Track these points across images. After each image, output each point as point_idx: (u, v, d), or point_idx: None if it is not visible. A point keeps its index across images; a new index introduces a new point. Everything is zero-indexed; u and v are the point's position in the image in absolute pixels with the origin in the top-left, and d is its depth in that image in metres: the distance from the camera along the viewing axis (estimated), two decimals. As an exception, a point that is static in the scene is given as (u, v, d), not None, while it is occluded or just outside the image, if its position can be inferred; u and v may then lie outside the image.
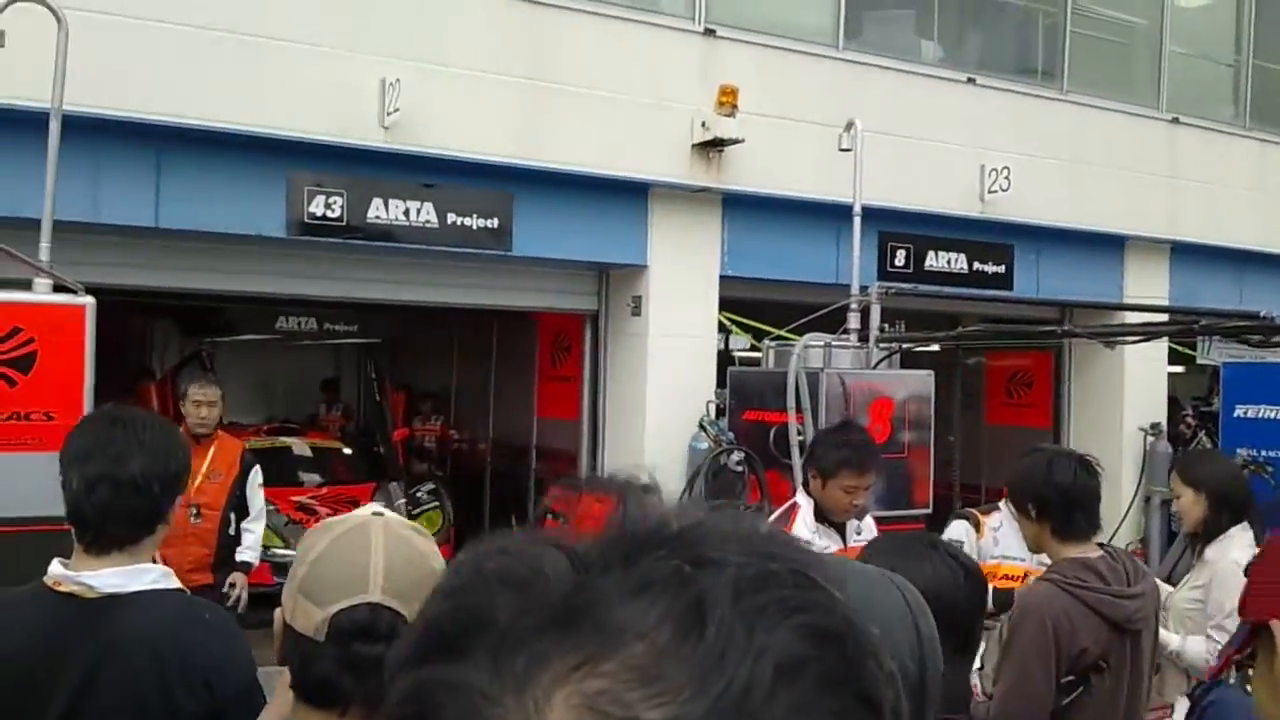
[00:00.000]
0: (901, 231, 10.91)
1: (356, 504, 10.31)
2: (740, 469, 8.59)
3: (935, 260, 11.24)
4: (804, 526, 4.06)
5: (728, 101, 9.35)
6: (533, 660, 0.57)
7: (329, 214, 8.42)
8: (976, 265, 11.44)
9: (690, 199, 9.89)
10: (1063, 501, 3.18)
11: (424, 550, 1.62)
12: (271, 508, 10.08)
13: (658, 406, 9.78)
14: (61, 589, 2.20)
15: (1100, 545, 3.23)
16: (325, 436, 12.46)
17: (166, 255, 8.33)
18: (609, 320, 10.44)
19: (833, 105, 9.63)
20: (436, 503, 10.77)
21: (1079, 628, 3.00)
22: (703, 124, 9.44)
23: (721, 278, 10.15)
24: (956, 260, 11.33)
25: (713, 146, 9.54)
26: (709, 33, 9.72)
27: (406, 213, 8.72)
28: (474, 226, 9.00)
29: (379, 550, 1.54)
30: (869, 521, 4.33)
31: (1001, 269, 11.62)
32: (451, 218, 8.90)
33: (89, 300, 5.97)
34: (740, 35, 9.84)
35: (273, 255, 8.72)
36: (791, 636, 0.57)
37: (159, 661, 2.17)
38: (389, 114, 8.16)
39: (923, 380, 8.60)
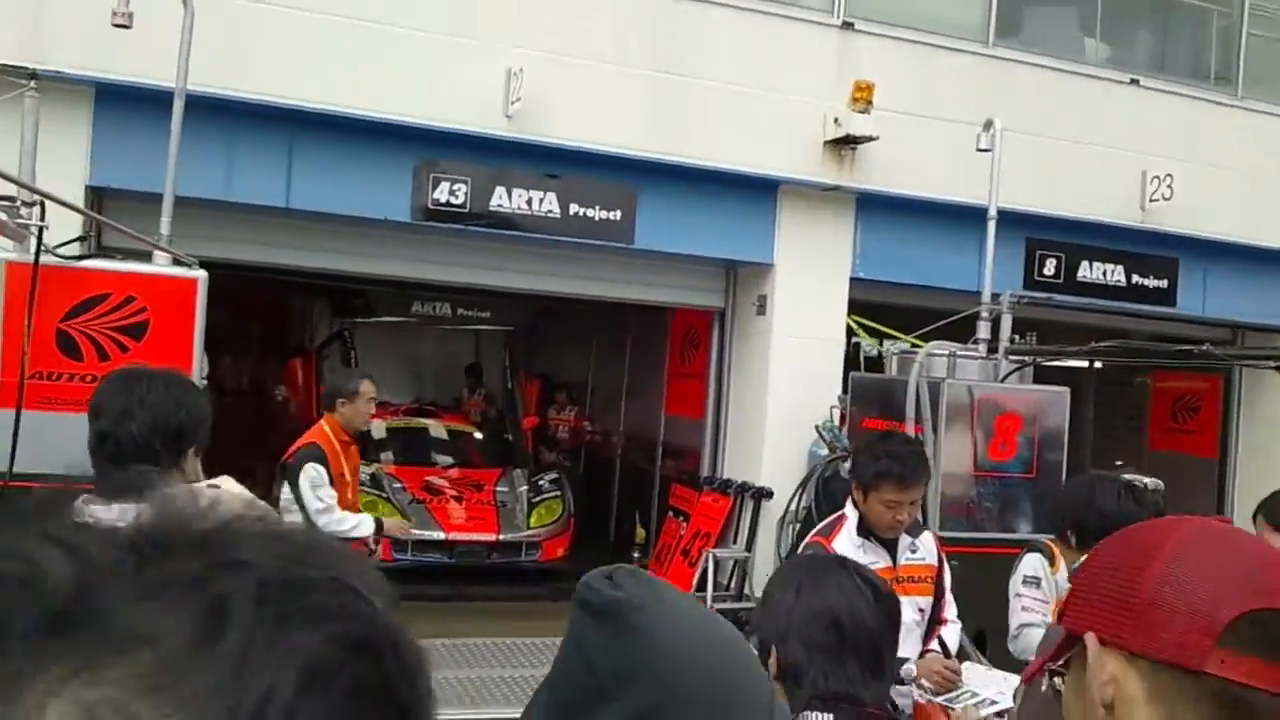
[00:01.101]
0: (1052, 239, 10.35)
1: (481, 488, 10.53)
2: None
3: (1089, 271, 10.61)
4: (847, 540, 3.81)
5: (862, 98, 9.04)
6: (25, 666, 0.52)
7: (453, 200, 8.54)
8: (1136, 278, 10.74)
9: (821, 198, 9.61)
10: (1102, 529, 2.88)
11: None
12: (399, 485, 10.36)
13: (779, 408, 9.55)
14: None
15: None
16: (460, 420, 12.69)
17: (295, 235, 8.61)
18: (734, 319, 10.26)
19: (977, 104, 9.18)
20: (558, 492, 10.81)
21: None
22: (835, 120, 9.16)
23: (852, 280, 9.83)
24: (1114, 272, 10.67)
25: (845, 144, 9.24)
26: (847, 26, 9.42)
27: (529, 202, 8.77)
28: (596, 218, 8.98)
29: None
30: (927, 539, 4.03)
31: (1164, 283, 10.88)
32: (574, 208, 8.90)
33: (201, 274, 6.19)
34: (879, 29, 9.50)
35: (398, 239, 8.90)
36: (322, 643, 0.53)
37: None
38: (512, 103, 8.21)
39: (1056, 397, 8.09)
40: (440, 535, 9.77)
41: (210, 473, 2.66)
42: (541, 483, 10.92)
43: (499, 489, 10.68)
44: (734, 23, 9.14)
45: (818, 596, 1.93)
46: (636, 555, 11.45)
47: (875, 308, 9.98)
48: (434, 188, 8.49)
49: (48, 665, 0.52)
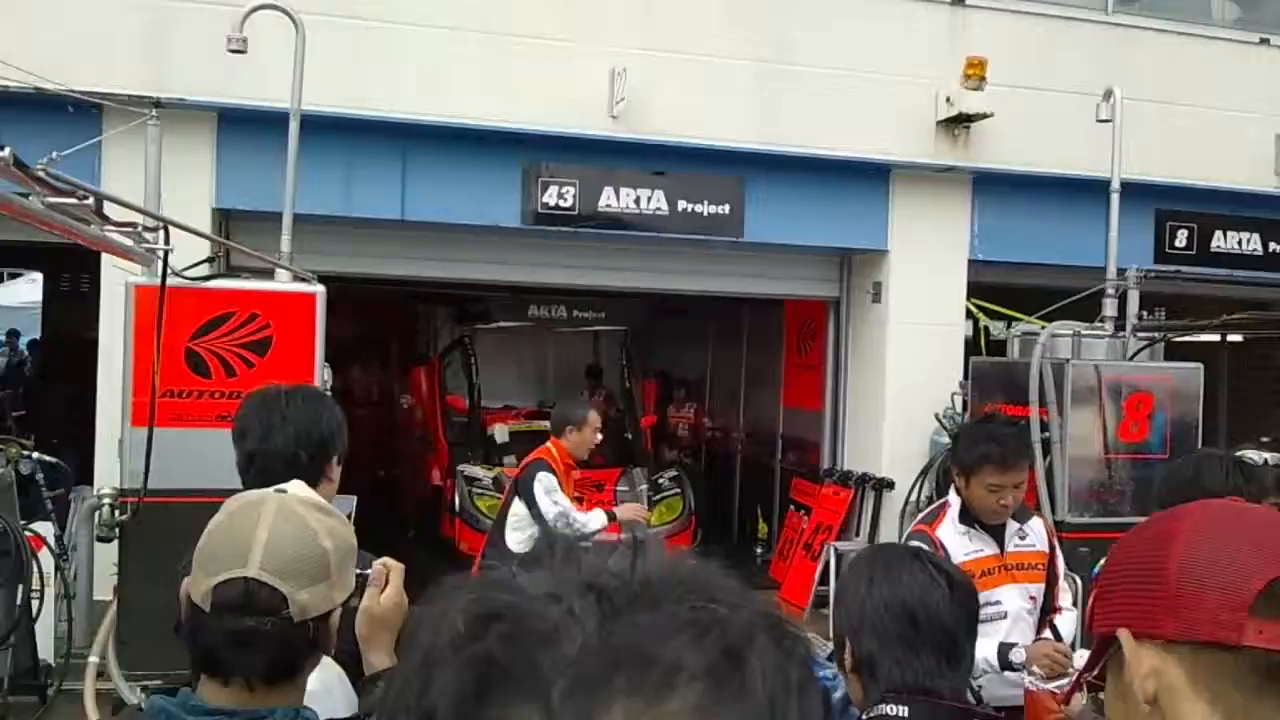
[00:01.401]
0: (1182, 209, 9.91)
1: (602, 488, 10.60)
2: (974, 465, 8.07)
3: (1224, 241, 10.14)
4: (951, 527, 3.70)
5: (975, 74, 8.80)
6: (596, 701, 0.57)
7: (562, 203, 8.62)
8: (1274, 246, 10.21)
9: (935, 179, 9.40)
10: None
11: (315, 529, 1.60)
12: (520, 488, 10.50)
13: (898, 398, 9.38)
14: None
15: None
16: (580, 421, 12.79)
17: (411, 246, 8.79)
18: (850, 307, 10.12)
19: (1096, 74, 8.84)
20: (678, 490, 10.81)
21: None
22: (947, 99, 8.94)
23: (971, 262, 9.59)
24: (1249, 241, 10.17)
25: (958, 123, 9.02)
26: (957, 1, 9.18)
27: (637, 200, 8.79)
28: (705, 213, 8.95)
29: (264, 526, 1.57)
30: (1037, 525, 3.87)
31: (1305, 250, 10.32)
32: (682, 204, 8.89)
33: (320, 288, 6.37)
34: (991, 2, 9.22)
35: (510, 245, 9.03)
36: (804, 671, 0.61)
37: None
38: (617, 103, 8.24)
39: (1189, 374, 7.75)
40: (564, 535, 9.85)
41: (344, 483, 2.73)
42: (661, 481, 10.93)
43: (619, 488, 10.72)
44: (838, 5, 9.00)
45: (890, 588, 1.90)
46: (760, 551, 11.40)
47: (996, 290, 9.73)
48: (543, 192, 8.58)
49: (612, 702, 0.56)
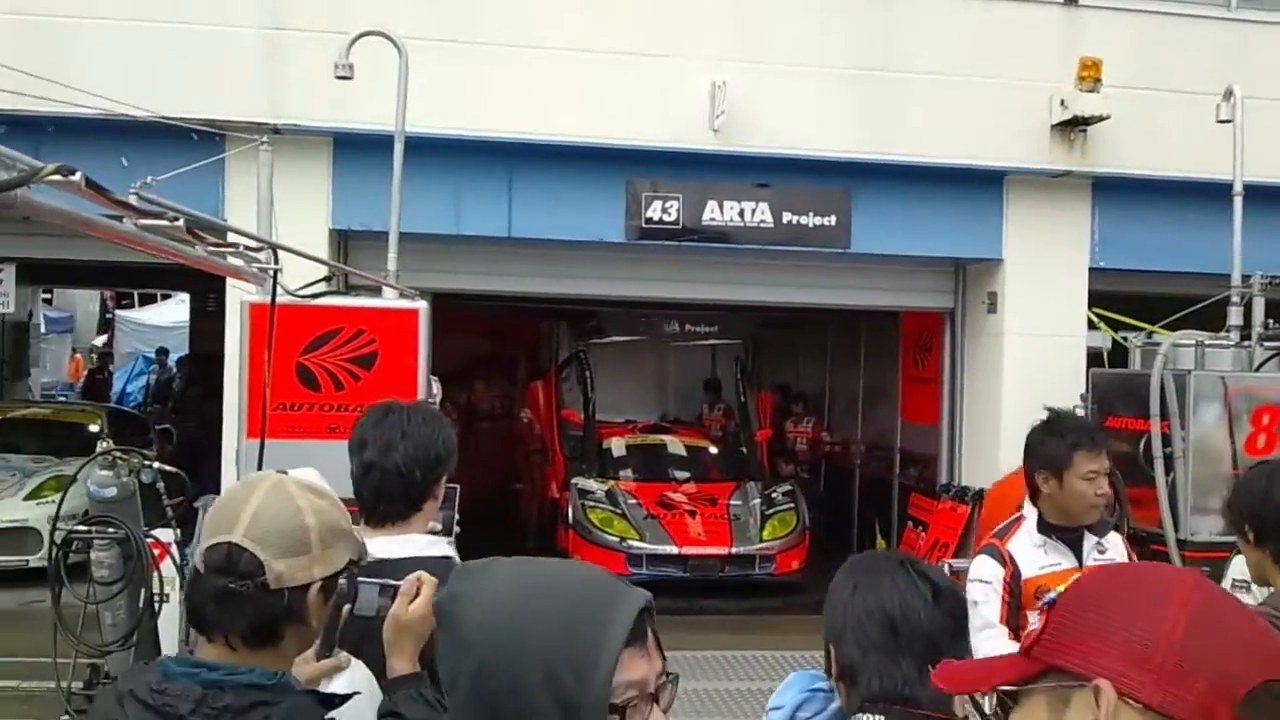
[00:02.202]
0: (1322, 211, 9.38)
1: (715, 502, 10.61)
2: (1090, 481, 7.77)
3: (1369, 244, 9.53)
4: (1026, 540, 3.58)
5: (1089, 75, 8.53)
6: None
7: (665, 218, 8.68)
8: None
9: (1051, 185, 9.13)
10: None
11: (301, 506, 1.72)
12: (634, 501, 10.58)
13: (1015, 411, 9.06)
14: None
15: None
16: (696, 435, 12.82)
17: (517, 262, 8.98)
18: (965, 319, 9.89)
19: (1220, 73, 8.44)
20: (791, 504, 10.72)
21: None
22: (1061, 102, 8.68)
23: (1091, 270, 9.27)
24: (1396, 243, 9.53)
25: (1074, 126, 8.75)
26: (1070, 2, 8.91)
27: (741, 214, 8.79)
28: (810, 224, 8.89)
29: (255, 499, 1.70)
30: (1116, 540, 3.71)
31: None
32: (787, 217, 8.85)
33: (422, 304, 6.58)
34: (1106, 1, 8.92)
35: (615, 260, 9.13)
36: None
37: None
38: (717, 116, 8.26)
39: (1322, 385, 7.33)
40: (674, 550, 9.89)
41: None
42: (775, 495, 10.86)
43: (732, 503, 10.70)
44: (943, 9, 8.85)
45: (873, 595, 1.87)
46: (877, 566, 11.19)
47: (1119, 298, 9.37)
48: (646, 207, 8.66)
49: None
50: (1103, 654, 1.07)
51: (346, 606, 1.90)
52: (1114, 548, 3.66)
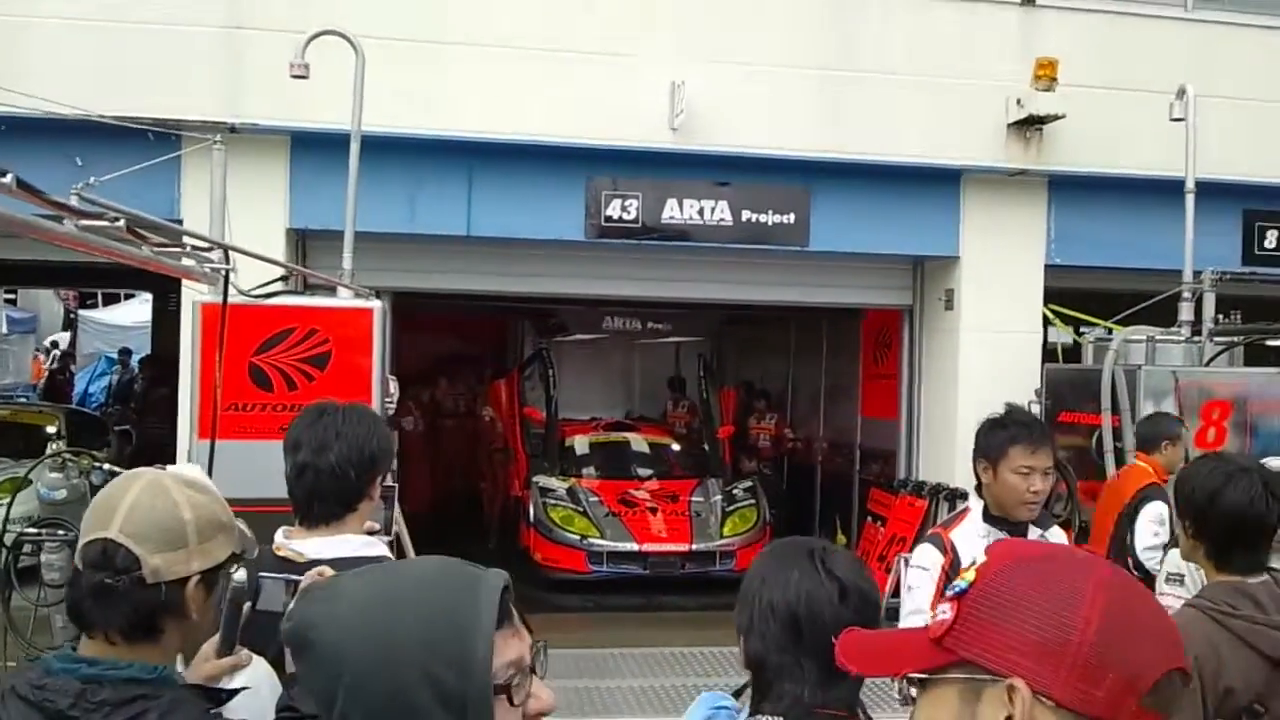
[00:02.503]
0: (1273, 209, 9.52)
1: (676, 499, 10.62)
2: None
3: (1320, 241, 9.69)
4: (971, 529, 3.62)
5: (1045, 75, 8.62)
6: None
7: (625, 216, 8.69)
8: (1373, 245, 9.73)
9: (1007, 184, 9.21)
10: (1226, 529, 2.65)
11: (178, 500, 1.73)
12: (595, 499, 10.58)
13: (972, 407, 9.05)
14: (280, 553, 2.57)
15: (1270, 570, 2.65)
16: (658, 432, 12.83)
17: (476, 261, 8.96)
18: (923, 315, 9.96)
19: (1176, 72, 8.55)
20: (752, 500, 10.76)
21: (1226, 663, 2.49)
22: (1018, 101, 8.76)
23: (1047, 267, 9.36)
24: (1347, 240, 9.70)
25: (1030, 125, 8.83)
26: (1027, 2, 8.99)
27: (701, 212, 8.81)
28: (770, 223, 8.93)
29: (131, 495, 1.71)
30: (1059, 534, 3.75)
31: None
32: (746, 215, 8.88)
33: (376, 304, 6.54)
34: (1064, 2, 9.01)
35: (574, 258, 9.13)
36: None
37: None
38: (677, 115, 8.28)
39: (1270, 379, 7.45)
40: (635, 547, 9.91)
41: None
42: (735, 492, 10.89)
43: (694, 499, 10.72)
44: (904, 10, 8.91)
45: (779, 590, 1.81)
46: (839, 561, 11.25)
47: (1075, 295, 9.46)
48: (606, 205, 8.67)
49: None
50: (1014, 650, 1.07)
51: (248, 604, 1.90)
52: (1057, 539, 3.70)
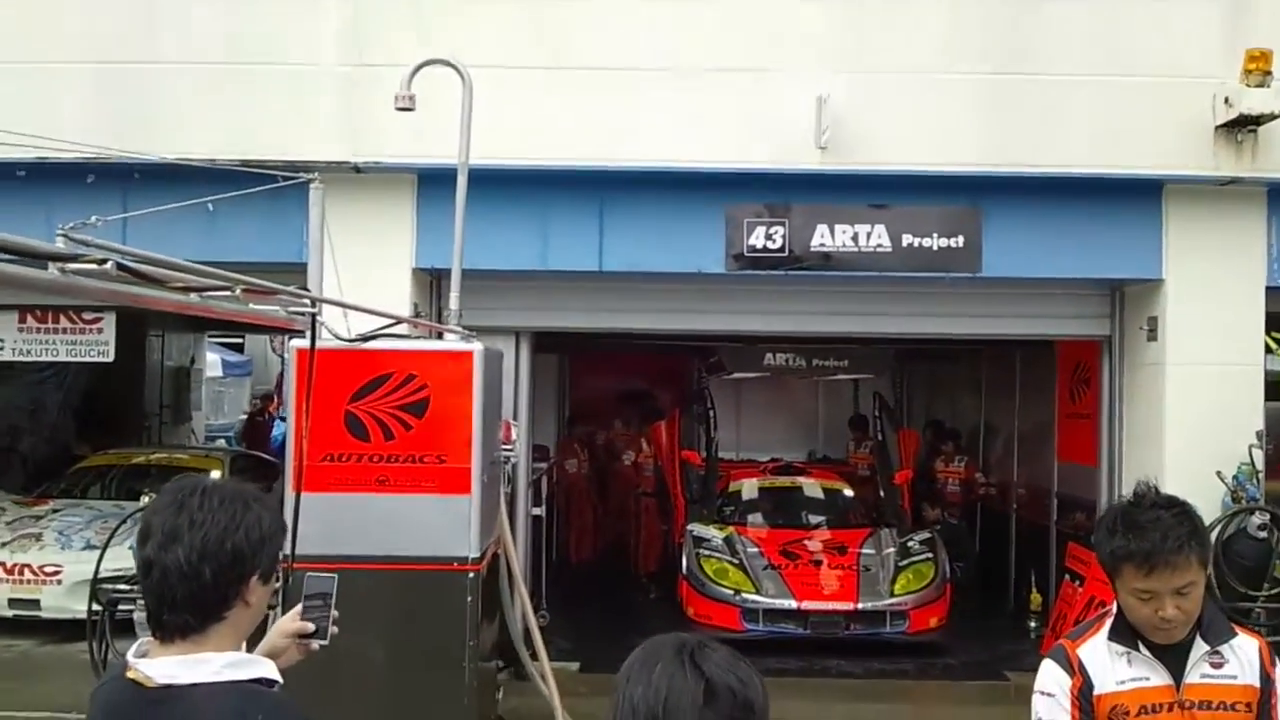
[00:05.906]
0: None
1: (845, 550, 9.74)
2: (1263, 534, 6.60)
3: None
4: (1102, 645, 2.72)
5: (1258, 68, 7.41)
6: None
7: (770, 245, 7.98)
8: None
9: (1218, 195, 7.99)
10: None
11: None
12: (755, 550, 9.81)
13: (1180, 450, 7.97)
14: (129, 674, 2.08)
15: None
16: (830, 476, 11.90)
17: (608, 298, 8.42)
18: (1123, 347, 8.77)
19: None
20: (929, 554, 9.71)
21: None
22: (1225, 100, 7.56)
23: (1269, 289, 8.06)
24: None
25: (1241, 126, 7.61)
26: (1234, -14, 7.79)
27: (855, 238, 8.00)
28: (934, 247, 8.01)
29: None
30: (1245, 645, 2.72)
31: None
32: (907, 239, 8.01)
33: (477, 346, 6.09)
34: (1278, -17, 7.76)
35: (715, 292, 8.47)
36: None
37: None
38: (823, 133, 7.52)
39: None
40: (792, 604, 9.06)
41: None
42: (911, 544, 9.87)
43: (863, 551, 9.78)
44: (1084, 4, 7.87)
45: (641, 687, 1.64)
46: (1033, 625, 10.05)
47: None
48: (748, 234, 7.98)
49: None
50: None
51: None
52: (1238, 659, 2.71)
